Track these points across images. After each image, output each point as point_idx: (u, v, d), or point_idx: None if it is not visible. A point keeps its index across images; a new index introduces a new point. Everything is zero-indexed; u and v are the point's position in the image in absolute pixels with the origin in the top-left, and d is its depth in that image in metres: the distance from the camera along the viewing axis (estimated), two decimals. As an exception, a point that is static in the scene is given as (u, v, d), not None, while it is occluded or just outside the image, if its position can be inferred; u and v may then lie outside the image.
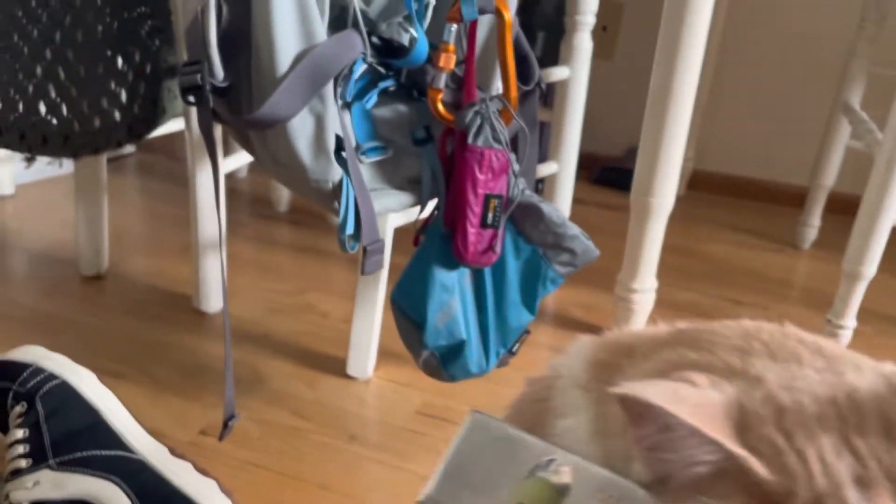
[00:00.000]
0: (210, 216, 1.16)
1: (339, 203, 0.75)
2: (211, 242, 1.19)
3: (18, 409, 0.76)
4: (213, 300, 1.23)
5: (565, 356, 0.51)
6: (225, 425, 0.83)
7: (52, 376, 0.79)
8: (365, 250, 0.77)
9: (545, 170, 1.29)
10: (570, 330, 1.28)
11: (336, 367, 1.11)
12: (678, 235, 1.64)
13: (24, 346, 0.82)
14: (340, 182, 0.75)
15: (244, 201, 1.76)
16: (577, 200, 1.93)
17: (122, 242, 1.47)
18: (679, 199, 1.96)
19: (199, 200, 1.15)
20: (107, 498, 0.68)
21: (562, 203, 1.34)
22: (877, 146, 1.19)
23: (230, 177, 1.80)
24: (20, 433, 0.74)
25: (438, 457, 0.96)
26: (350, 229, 0.74)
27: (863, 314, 1.24)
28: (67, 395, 0.78)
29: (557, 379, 0.49)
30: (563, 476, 0.36)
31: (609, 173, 1.96)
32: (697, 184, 1.99)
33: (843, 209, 1.63)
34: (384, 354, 1.11)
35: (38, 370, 0.79)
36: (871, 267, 1.20)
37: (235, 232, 1.56)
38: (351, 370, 1.09)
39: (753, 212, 1.92)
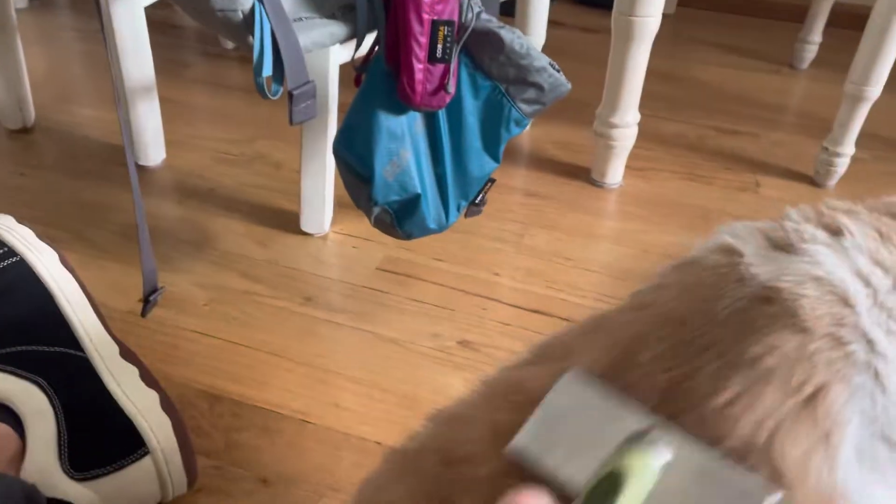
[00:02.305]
0: (134, 54, 1.02)
1: (253, 37, 0.62)
2: (143, 85, 1.06)
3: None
4: (151, 152, 1.11)
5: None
6: (146, 301, 0.75)
7: (10, 252, 0.69)
8: (291, 96, 0.65)
9: (517, -11, 1.13)
10: (545, 171, 1.18)
11: (290, 223, 1.02)
12: (664, 60, 1.50)
13: None
14: (252, 11, 0.62)
15: (188, 38, 1.59)
16: (554, 23, 1.75)
17: (47, 91, 1.33)
18: (667, 18, 1.79)
19: (117, 37, 1.01)
20: (25, 405, 0.60)
21: (535, 28, 1.19)
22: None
23: (169, 9, 1.62)
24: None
25: (401, 316, 0.90)
26: (267, 70, 0.62)
27: (862, 139, 1.14)
28: (22, 276, 0.69)
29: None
30: (663, 450, 0.30)
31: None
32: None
33: (849, 23, 1.49)
34: (342, 207, 1.02)
35: None
36: (876, 87, 1.08)
37: (180, 74, 1.41)
38: (305, 226, 1.00)
39: (748, 30, 1.76)
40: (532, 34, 1.20)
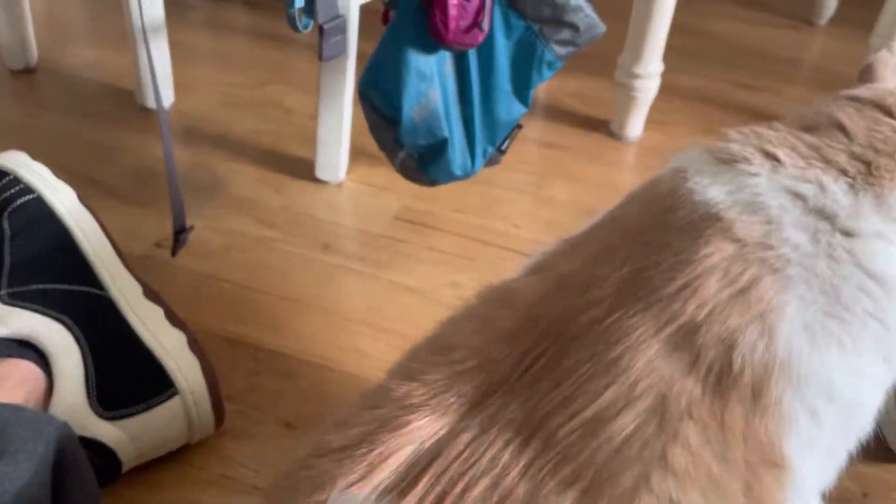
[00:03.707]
0: (145, -6, 0.99)
1: (285, -33, 0.59)
2: (152, 26, 1.02)
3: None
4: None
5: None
6: (176, 239, 0.74)
7: (27, 189, 0.67)
8: (321, 30, 0.62)
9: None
10: (563, 123, 1.16)
11: (304, 169, 1.00)
12: (682, 12, 1.47)
13: (8, 151, 0.70)
14: (284, -60, 0.59)
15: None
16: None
17: (52, 29, 1.29)
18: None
19: (127, -25, 0.97)
20: (51, 342, 0.59)
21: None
22: None
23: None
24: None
25: (419, 265, 0.88)
26: (300, 1, 0.59)
27: (886, 98, 1.12)
28: (40, 214, 0.66)
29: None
30: None
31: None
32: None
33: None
34: (358, 154, 0.99)
35: (15, 181, 0.68)
36: (904, 42, 1.06)
37: (183, 16, 1.36)
38: (320, 173, 0.98)
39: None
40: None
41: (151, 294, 0.67)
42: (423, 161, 0.76)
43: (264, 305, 0.81)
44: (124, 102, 1.11)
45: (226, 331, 0.77)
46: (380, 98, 0.72)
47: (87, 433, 0.57)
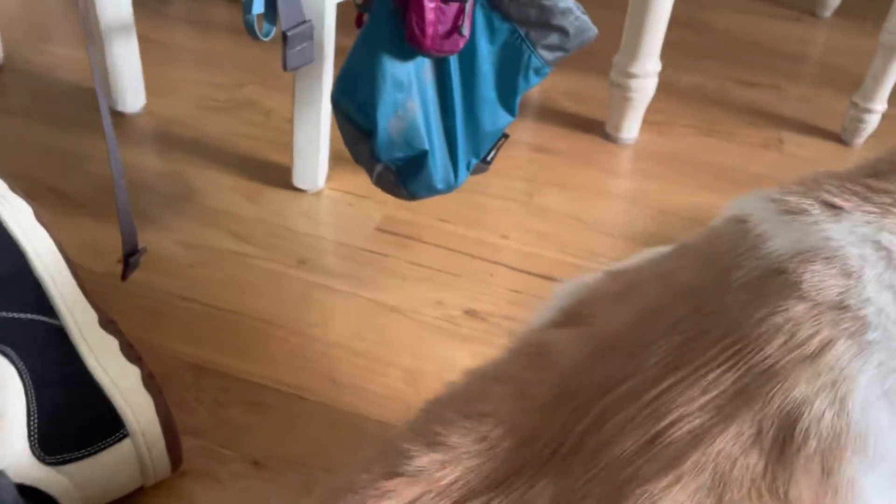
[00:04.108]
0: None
1: (242, -30, 0.54)
2: (120, 24, 0.97)
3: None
4: (129, 98, 1.03)
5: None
6: (126, 262, 0.68)
7: None
8: (285, 37, 0.57)
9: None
10: (556, 124, 1.10)
11: (282, 177, 0.95)
12: (679, 5, 1.41)
13: None
14: (241, -61, 0.53)
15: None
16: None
17: (16, 26, 1.23)
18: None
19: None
20: None
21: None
22: None
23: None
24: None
25: (402, 282, 0.83)
26: (258, 6, 0.54)
27: (894, 96, 1.07)
28: None
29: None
30: None
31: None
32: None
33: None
34: (338, 161, 0.94)
35: None
36: (915, 39, 1.01)
37: (160, 12, 1.31)
38: (298, 181, 0.93)
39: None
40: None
41: (108, 323, 0.62)
42: (402, 174, 0.71)
43: (235, 327, 0.76)
44: (93, 105, 1.05)
45: (192, 356, 0.72)
46: (353, 109, 0.66)
47: (27, 480, 0.52)
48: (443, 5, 0.60)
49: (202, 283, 0.80)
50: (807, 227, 0.37)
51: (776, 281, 0.35)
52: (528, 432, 0.35)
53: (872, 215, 0.36)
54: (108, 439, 0.56)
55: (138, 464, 0.57)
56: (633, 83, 1.00)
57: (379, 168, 0.70)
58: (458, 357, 0.74)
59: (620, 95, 1.02)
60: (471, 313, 0.79)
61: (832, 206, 0.37)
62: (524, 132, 1.09)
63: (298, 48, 0.57)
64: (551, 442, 0.34)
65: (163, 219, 0.88)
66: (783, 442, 0.32)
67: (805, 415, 0.32)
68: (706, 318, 0.35)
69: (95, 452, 0.55)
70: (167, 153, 0.98)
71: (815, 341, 0.33)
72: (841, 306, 0.34)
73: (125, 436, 0.56)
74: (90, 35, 0.92)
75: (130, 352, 0.60)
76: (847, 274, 0.34)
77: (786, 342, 0.33)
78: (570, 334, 0.39)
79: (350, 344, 0.74)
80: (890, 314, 0.34)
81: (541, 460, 0.34)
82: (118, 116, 1.04)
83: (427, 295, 0.80)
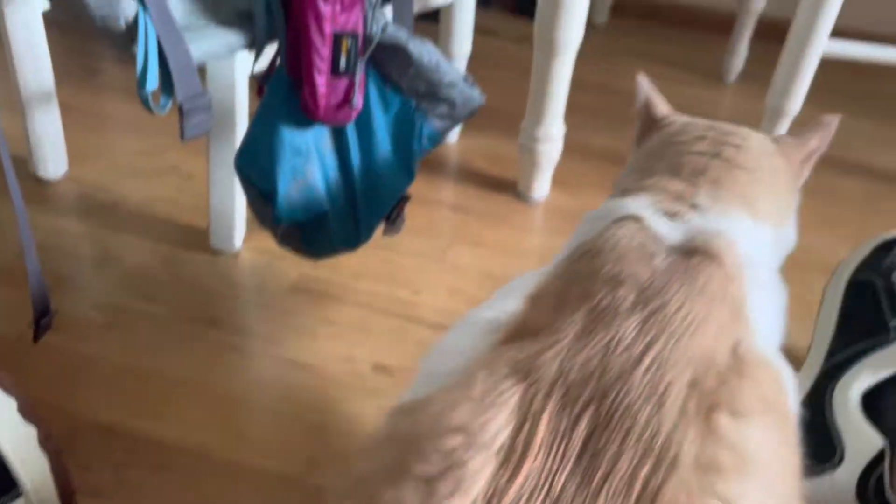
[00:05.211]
0: (31, 59, 0.96)
1: (137, 47, 0.57)
2: (42, 92, 0.99)
3: None
4: (51, 164, 1.05)
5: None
6: (37, 324, 0.70)
7: None
8: (181, 109, 0.60)
9: (440, -2, 1.10)
10: (472, 185, 1.15)
11: (200, 239, 0.97)
12: (594, 70, 1.49)
13: None
14: (136, 19, 0.57)
15: (100, 42, 1.51)
16: (489, 33, 1.74)
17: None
18: (598, 29, 1.79)
19: (11, 42, 0.94)
20: None
21: (460, 37, 1.16)
22: (813, -37, 1.04)
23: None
24: None
25: (314, 339, 0.85)
26: (153, 83, 0.58)
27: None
28: None
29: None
30: None
31: (531, 2, 1.76)
32: (622, 10, 1.82)
33: (774, 36, 1.51)
34: (256, 222, 0.97)
35: None
36: (795, 102, 1.09)
37: (85, 79, 1.34)
38: (215, 242, 0.95)
39: (679, 42, 1.77)
40: (457, 43, 1.17)
41: (6, 383, 0.63)
42: (305, 235, 0.74)
43: (143, 388, 0.77)
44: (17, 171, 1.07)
45: (99, 417, 0.73)
46: (255, 174, 0.70)
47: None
48: (333, 80, 0.64)
49: (113, 344, 0.81)
50: (676, 222, 0.50)
51: (695, 259, 0.47)
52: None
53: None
54: (2, 498, 0.56)
55: (31, 525, 0.57)
56: (540, 146, 1.06)
57: (281, 230, 0.73)
58: (364, 412, 0.76)
59: (529, 158, 1.08)
60: (379, 368, 0.81)
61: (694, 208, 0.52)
62: (443, 192, 1.13)
63: (195, 119, 0.61)
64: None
65: (78, 282, 0.89)
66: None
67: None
68: (658, 293, 0.44)
69: (-14, 513, 0.56)
70: (87, 218, 1.00)
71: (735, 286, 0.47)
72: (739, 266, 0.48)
73: (19, 495, 0.56)
74: (25, 104, 0.95)
75: (28, 411, 0.61)
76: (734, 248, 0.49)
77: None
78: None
79: (257, 400, 0.76)
80: (757, 264, 0.49)
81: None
82: (40, 183, 1.05)
83: (337, 351, 0.83)
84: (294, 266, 0.94)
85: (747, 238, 0.52)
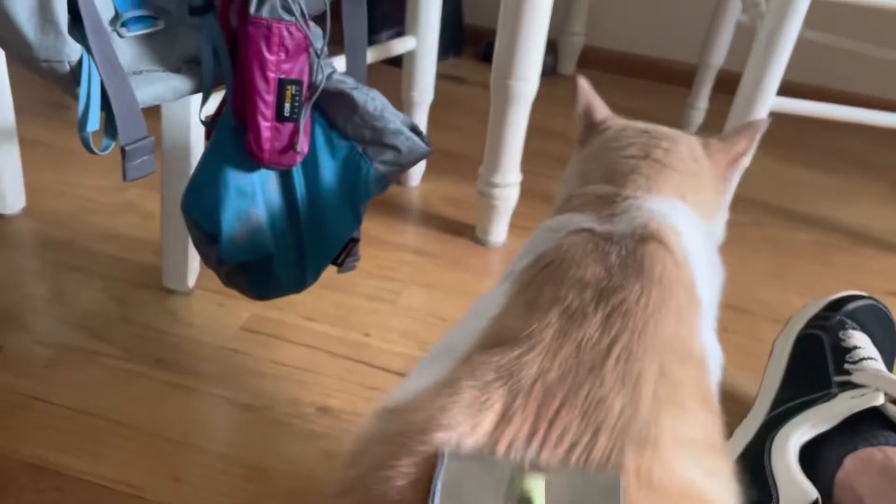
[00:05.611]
0: (-9, 98, 0.97)
1: (80, 90, 0.58)
2: (1, 128, 1.00)
3: None
4: (9, 199, 1.05)
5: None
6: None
7: None
8: (123, 152, 0.61)
9: (401, 46, 1.12)
10: (432, 228, 1.17)
11: (153, 278, 0.97)
12: (559, 118, 1.53)
13: None
14: (80, 62, 0.58)
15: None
16: (457, 80, 1.77)
17: None
18: (564, 78, 1.83)
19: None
20: None
21: (422, 83, 1.18)
22: (760, 19, 1.08)
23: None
24: None
25: (259, 380, 0.85)
26: (93, 124, 0.58)
27: (740, 203, 1.17)
28: None
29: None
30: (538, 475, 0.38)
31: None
32: (588, 61, 1.86)
33: (734, 89, 1.55)
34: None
35: None
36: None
37: (52, 116, 1.34)
38: (168, 282, 0.95)
39: (642, 92, 1.81)
40: (419, 89, 1.20)
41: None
42: (250, 276, 0.74)
43: (82, 428, 0.76)
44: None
45: (34, 457, 0.72)
46: (200, 215, 0.70)
47: None
48: (278, 125, 0.66)
49: (55, 382, 0.80)
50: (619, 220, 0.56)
51: (649, 247, 0.52)
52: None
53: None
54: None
55: (-52, 569, 0.56)
56: (497, 192, 1.08)
57: (225, 269, 0.73)
58: (306, 454, 0.76)
59: (487, 203, 1.10)
60: (323, 410, 0.81)
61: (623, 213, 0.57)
62: (402, 235, 1.14)
63: (138, 161, 0.61)
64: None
65: (25, 318, 0.89)
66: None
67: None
68: (617, 290, 0.49)
69: None
70: (41, 254, 1.00)
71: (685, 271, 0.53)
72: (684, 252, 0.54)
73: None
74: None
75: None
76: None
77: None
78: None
79: (197, 442, 0.75)
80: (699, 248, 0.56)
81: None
82: (-3, 219, 1.05)
83: (282, 393, 0.83)
84: (246, 307, 0.94)
85: (686, 222, 0.56)
